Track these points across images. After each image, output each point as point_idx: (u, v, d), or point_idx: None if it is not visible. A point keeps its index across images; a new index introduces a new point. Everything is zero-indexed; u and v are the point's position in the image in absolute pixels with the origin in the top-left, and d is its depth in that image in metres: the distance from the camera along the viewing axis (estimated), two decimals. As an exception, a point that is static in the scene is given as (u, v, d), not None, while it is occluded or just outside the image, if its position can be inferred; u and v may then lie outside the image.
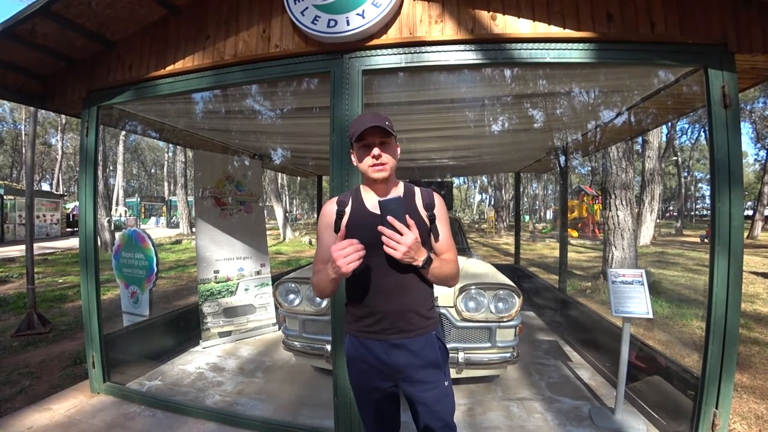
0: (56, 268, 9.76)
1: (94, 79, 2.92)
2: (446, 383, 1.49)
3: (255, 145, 5.03)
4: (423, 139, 4.30)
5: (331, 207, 1.54)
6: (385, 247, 1.31)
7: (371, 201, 1.47)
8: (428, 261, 1.36)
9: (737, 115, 2.11)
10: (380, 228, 1.31)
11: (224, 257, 4.39)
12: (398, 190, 1.52)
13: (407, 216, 1.33)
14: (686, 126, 33.66)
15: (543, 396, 3.03)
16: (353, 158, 1.51)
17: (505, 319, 2.84)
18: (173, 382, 3.32)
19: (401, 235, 1.30)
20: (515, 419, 2.71)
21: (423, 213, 1.48)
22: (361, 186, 1.56)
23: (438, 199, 1.52)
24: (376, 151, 1.40)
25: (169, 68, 2.66)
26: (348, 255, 1.26)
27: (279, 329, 4.46)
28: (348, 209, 1.50)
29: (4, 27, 2.42)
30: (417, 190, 1.54)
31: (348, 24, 2.20)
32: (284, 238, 18.35)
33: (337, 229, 1.51)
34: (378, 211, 1.35)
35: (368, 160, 1.42)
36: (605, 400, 2.93)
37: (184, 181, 21.61)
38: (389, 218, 1.30)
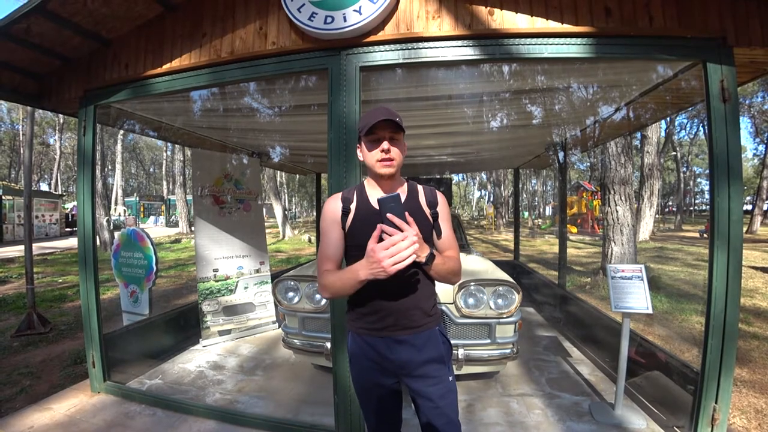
0: (56, 268, 9.75)
1: (90, 78, 2.90)
2: (450, 378, 1.49)
3: (253, 143, 5.01)
4: (421, 135, 4.29)
5: (335, 203, 1.52)
6: None
7: (375, 198, 1.45)
8: (431, 257, 1.35)
9: (736, 109, 2.11)
10: (380, 226, 1.30)
11: (223, 256, 4.39)
12: (403, 188, 1.52)
13: (407, 213, 1.32)
14: (685, 121, 33.74)
15: (543, 392, 3.03)
16: (359, 152, 1.50)
17: (504, 316, 2.84)
18: (173, 380, 3.32)
19: (402, 231, 1.29)
20: (515, 415, 2.71)
21: (426, 211, 1.49)
22: (366, 182, 1.55)
23: (441, 197, 1.54)
24: (385, 144, 1.39)
25: (166, 66, 2.65)
26: (397, 253, 1.19)
27: (279, 327, 4.47)
28: (353, 206, 1.49)
29: (-1, 26, 2.41)
30: (420, 188, 1.55)
31: (345, 20, 2.19)
32: (283, 236, 18.35)
33: (344, 227, 1.50)
34: (379, 208, 1.35)
35: (376, 154, 1.41)
36: (605, 396, 2.93)
37: (183, 179, 21.59)
38: (389, 215, 1.30)
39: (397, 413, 1.61)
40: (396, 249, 1.20)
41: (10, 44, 2.58)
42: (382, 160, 1.41)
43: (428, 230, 1.46)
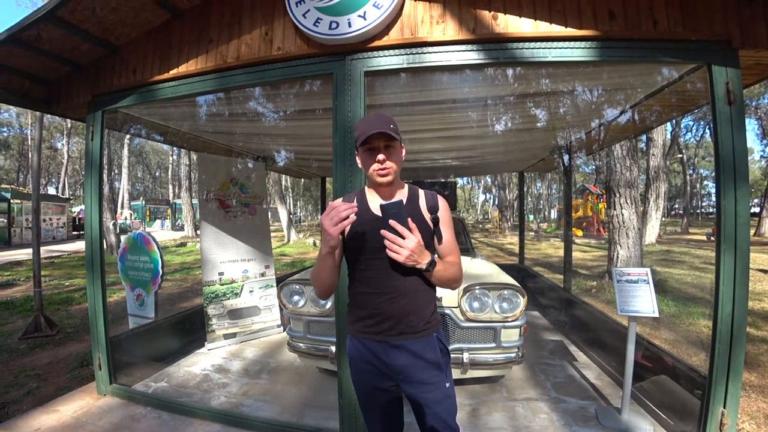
0: (63, 271, 9.83)
1: (98, 84, 2.94)
2: (447, 384, 1.48)
3: (258, 148, 5.05)
4: (426, 139, 4.30)
5: None
6: (388, 251, 1.32)
7: (375, 204, 1.46)
8: (432, 264, 1.36)
9: (742, 111, 2.10)
10: (383, 232, 1.32)
11: (229, 259, 4.41)
12: (403, 193, 1.52)
13: (409, 219, 1.33)
14: (691, 123, 33.48)
15: (548, 396, 3.01)
16: (358, 160, 1.51)
17: (509, 319, 2.83)
18: (179, 383, 3.33)
19: (404, 238, 1.30)
20: (520, 420, 2.70)
21: (426, 216, 1.48)
22: (366, 188, 1.56)
23: (442, 202, 1.52)
24: (380, 156, 1.40)
25: (173, 72, 2.68)
26: (336, 215, 1.25)
27: (284, 331, 4.47)
28: None
29: (10, 33, 2.45)
30: (421, 192, 1.55)
31: (350, 26, 2.21)
32: (288, 240, 18.41)
33: (341, 231, 1.51)
34: (382, 215, 1.36)
35: (373, 165, 1.42)
36: (611, 400, 2.91)
37: (189, 183, 21.71)
38: (391, 222, 1.30)
39: (399, 417, 1.61)
40: (340, 209, 1.26)
41: (21, 51, 2.62)
42: (379, 170, 1.42)
43: (428, 236, 1.45)
